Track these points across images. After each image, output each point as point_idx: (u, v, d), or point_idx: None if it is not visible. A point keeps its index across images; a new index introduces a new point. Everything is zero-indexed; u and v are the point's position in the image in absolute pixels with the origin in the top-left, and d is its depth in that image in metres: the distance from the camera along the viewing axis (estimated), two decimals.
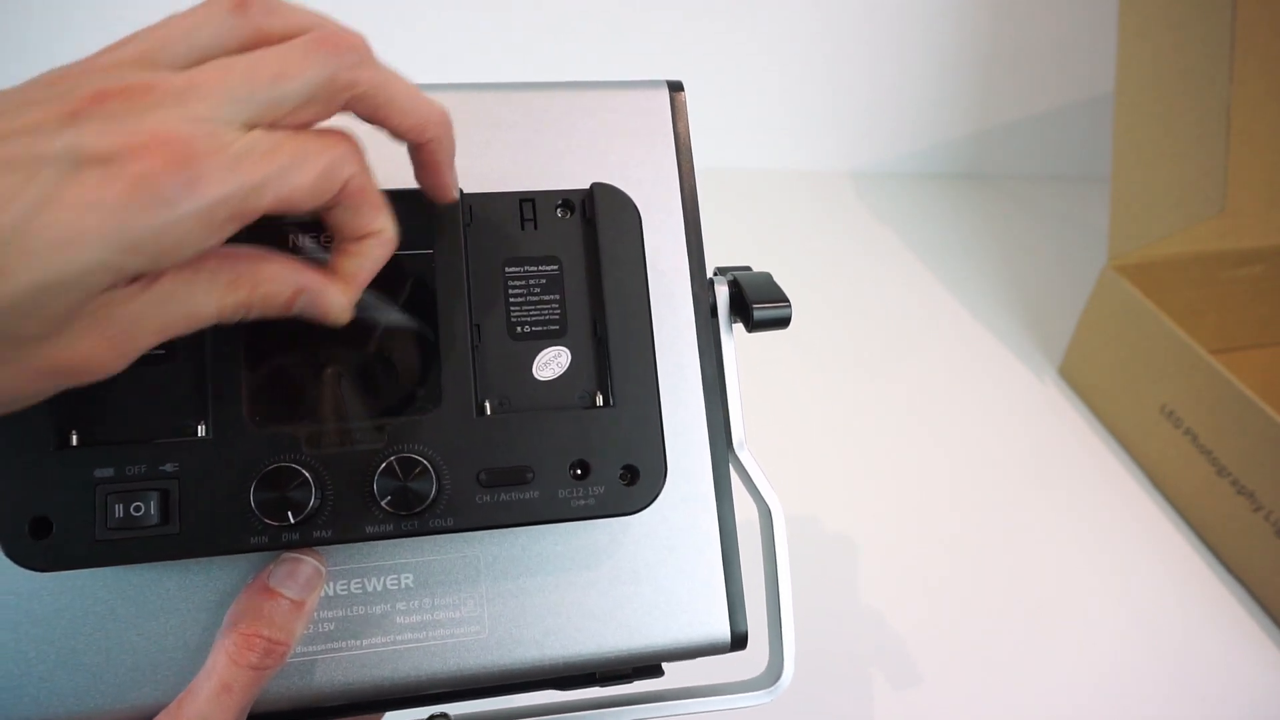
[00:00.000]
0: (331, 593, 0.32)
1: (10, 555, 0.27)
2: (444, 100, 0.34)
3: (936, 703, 0.60)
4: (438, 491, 0.29)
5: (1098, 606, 0.68)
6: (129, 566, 0.30)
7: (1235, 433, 0.68)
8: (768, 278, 0.37)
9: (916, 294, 0.95)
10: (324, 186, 0.25)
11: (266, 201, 0.23)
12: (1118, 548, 0.73)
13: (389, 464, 0.29)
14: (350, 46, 0.25)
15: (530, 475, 0.30)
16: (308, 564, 0.30)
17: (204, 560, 0.31)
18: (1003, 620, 0.66)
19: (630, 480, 0.31)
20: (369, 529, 0.29)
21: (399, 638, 0.32)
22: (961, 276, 0.97)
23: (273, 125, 0.24)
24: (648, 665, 0.34)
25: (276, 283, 0.26)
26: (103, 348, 0.23)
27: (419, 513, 0.29)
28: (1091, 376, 0.84)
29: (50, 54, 0.87)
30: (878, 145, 1.11)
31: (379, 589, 0.32)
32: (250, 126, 0.23)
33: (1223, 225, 0.75)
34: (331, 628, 0.32)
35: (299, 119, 0.25)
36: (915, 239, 1.02)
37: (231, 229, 0.23)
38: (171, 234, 0.22)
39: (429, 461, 0.30)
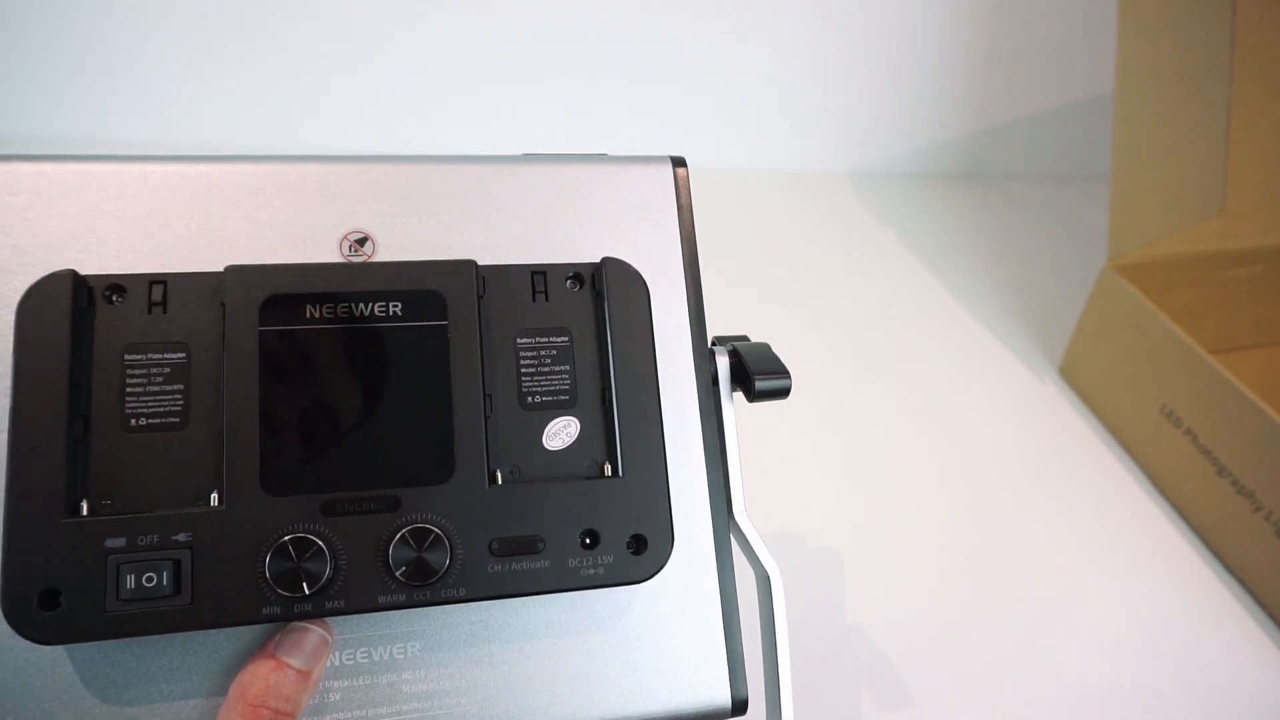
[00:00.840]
0: (338, 662, 0.32)
1: (16, 628, 0.27)
2: (456, 174, 0.36)
3: (936, 701, 0.60)
4: (450, 562, 0.30)
5: (1098, 606, 0.68)
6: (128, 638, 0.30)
7: (1235, 433, 0.68)
8: (766, 348, 0.38)
9: (916, 294, 0.95)
10: None
11: None
12: (1118, 548, 0.73)
13: (404, 535, 0.29)
14: None
15: (541, 545, 0.31)
16: (315, 633, 0.30)
17: (210, 630, 0.31)
18: (1002, 620, 0.66)
19: (638, 549, 0.32)
20: (381, 599, 0.29)
21: (404, 707, 0.32)
22: (961, 276, 0.97)
23: None
24: None
25: None
26: None
27: (432, 583, 0.30)
28: (1091, 376, 0.84)
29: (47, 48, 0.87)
30: (878, 145, 1.11)
31: (385, 658, 0.32)
32: None
33: (1223, 225, 0.75)
34: (337, 698, 0.32)
35: None
36: (915, 239, 1.02)
37: None
38: None
39: (443, 531, 0.30)
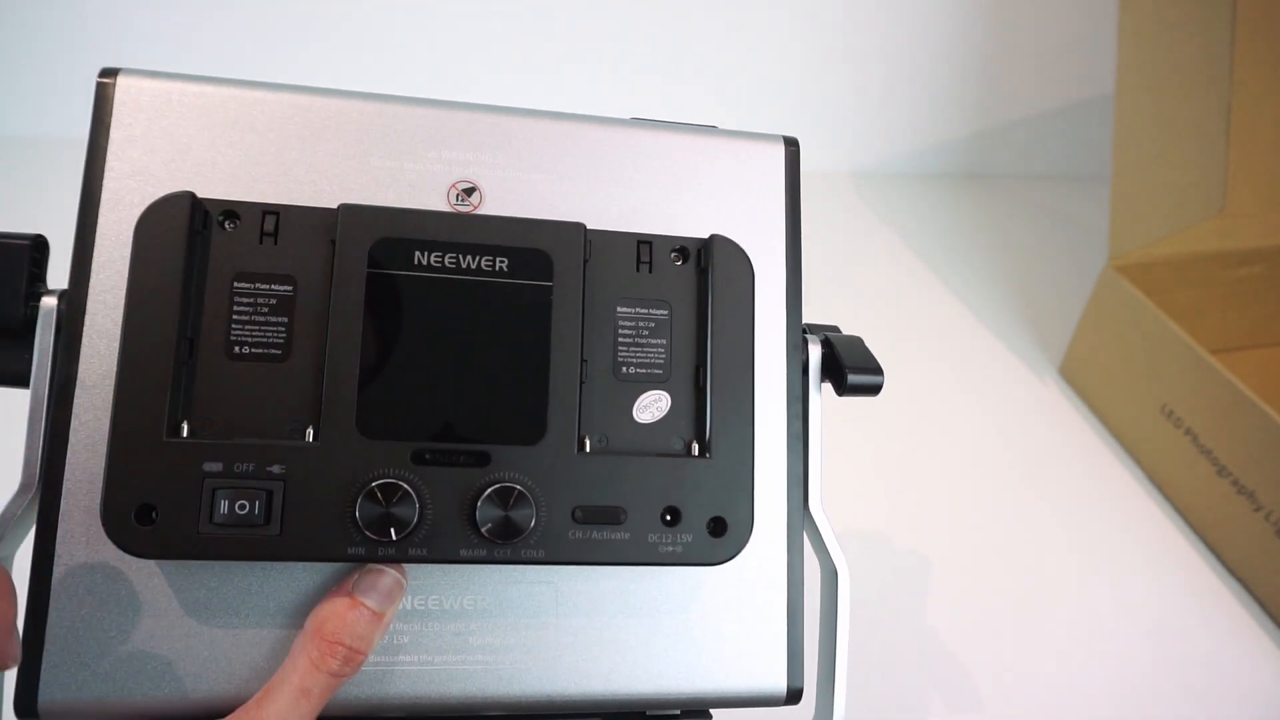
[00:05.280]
0: (410, 606, 0.32)
1: (114, 539, 0.28)
2: (567, 132, 0.36)
3: (934, 702, 0.60)
4: (534, 524, 0.30)
5: (1097, 606, 0.68)
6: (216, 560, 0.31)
7: (1235, 433, 0.68)
8: (860, 342, 0.38)
9: (917, 294, 0.95)
10: None
11: None
12: (1118, 547, 0.73)
13: (493, 492, 0.30)
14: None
15: (623, 516, 0.31)
16: (390, 576, 0.31)
17: (290, 562, 0.31)
18: (1000, 620, 0.66)
19: (717, 532, 0.32)
20: (463, 552, 0.30)
21: (469, 658, 0.32)
22: (961, 276, 0.97)
23: None
24: (697, 709, 0.35)
25: None
26: None
27: (514, 542, 0.30)
28: (1091, 376, 0.84)
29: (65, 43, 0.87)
30: (878, 145, 1.11)
31: (456, 608, 0.33)
32: None
33: (1223, 225, 0.75)
34: (406, 640, 0.32)
35: None
36: (916, 239, 1.02)
37: None
38: None
39: (529, 493, 0.30)
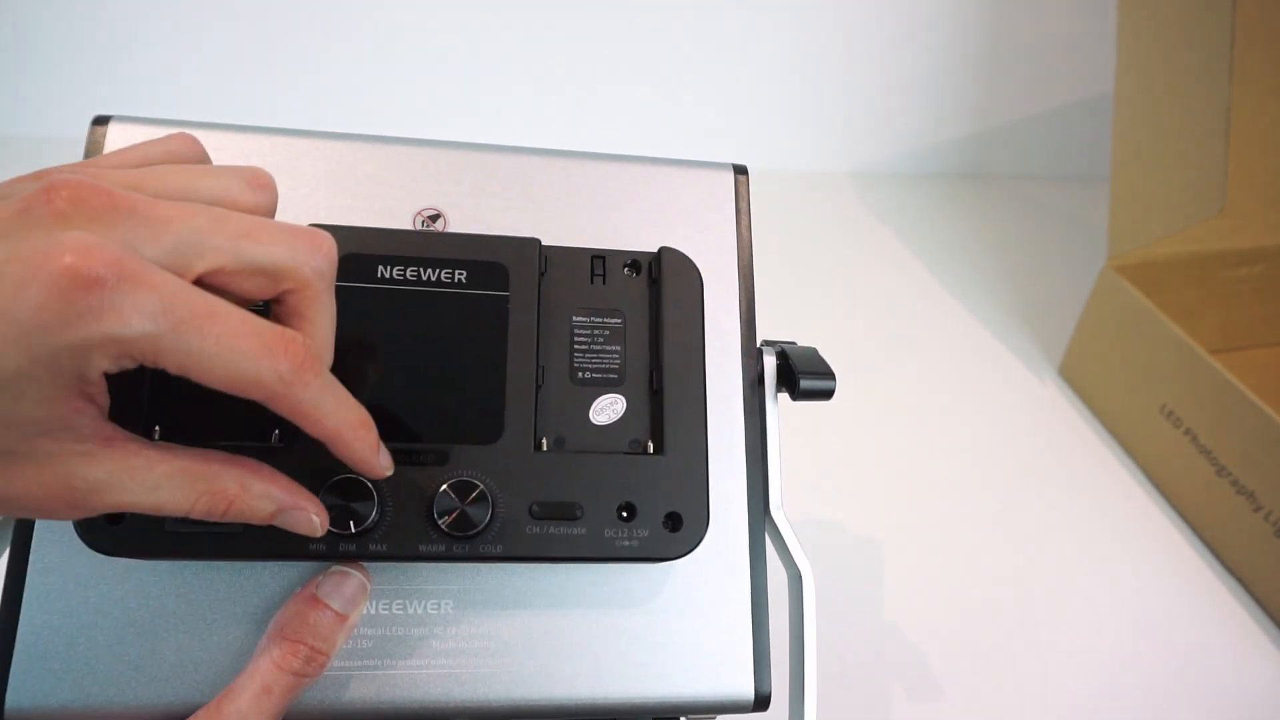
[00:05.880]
0: (374, 611, 0.33)
1: (84, 539, 0.29)
2: (525, 164, 0.38)
3: (932, 702, 0.60)
4: (491, 518, 0.31)
5: (1097, 606, 0.68)
6: (184, 565, 0.32)
7: (1235, 433, 0.68)
8: (814, 352, 0.39)
9: (916, 294, 0.95)
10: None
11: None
12: (1117, 548, 0.73)
13: (449, 486, 0.31)
14: (325, 252, 0.26)
15: (579, 512, 0.32)
16: (355, 578, 0.31)
17: (256, 564, 0.32)
18: (1000, 621, 0.66)
19: (673, 527, 0.32)
20: (422, 548, 0.30)
21: (432, 662, 0.33)
22: (961, 276, 0.97)
23: (211, 277, 0.24)
24: (666, 717, 0.35)
25: (261, 500, 0.26)
26: (53, 499, 0.23)
27: (471, 537, 0.30)
28: (1091, 376, 0.84)
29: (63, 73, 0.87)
30: (878, 145, 1.11)
31: (419, 613, 0.33)
32: (187, 270, 0.23)
33: (1222, 225, 0.75)
34: (369, 645, 0.33)
35: (238, 285, 0.25)
36: (915, 239, 1.02)
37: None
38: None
39: (486, 489, 0.31)
